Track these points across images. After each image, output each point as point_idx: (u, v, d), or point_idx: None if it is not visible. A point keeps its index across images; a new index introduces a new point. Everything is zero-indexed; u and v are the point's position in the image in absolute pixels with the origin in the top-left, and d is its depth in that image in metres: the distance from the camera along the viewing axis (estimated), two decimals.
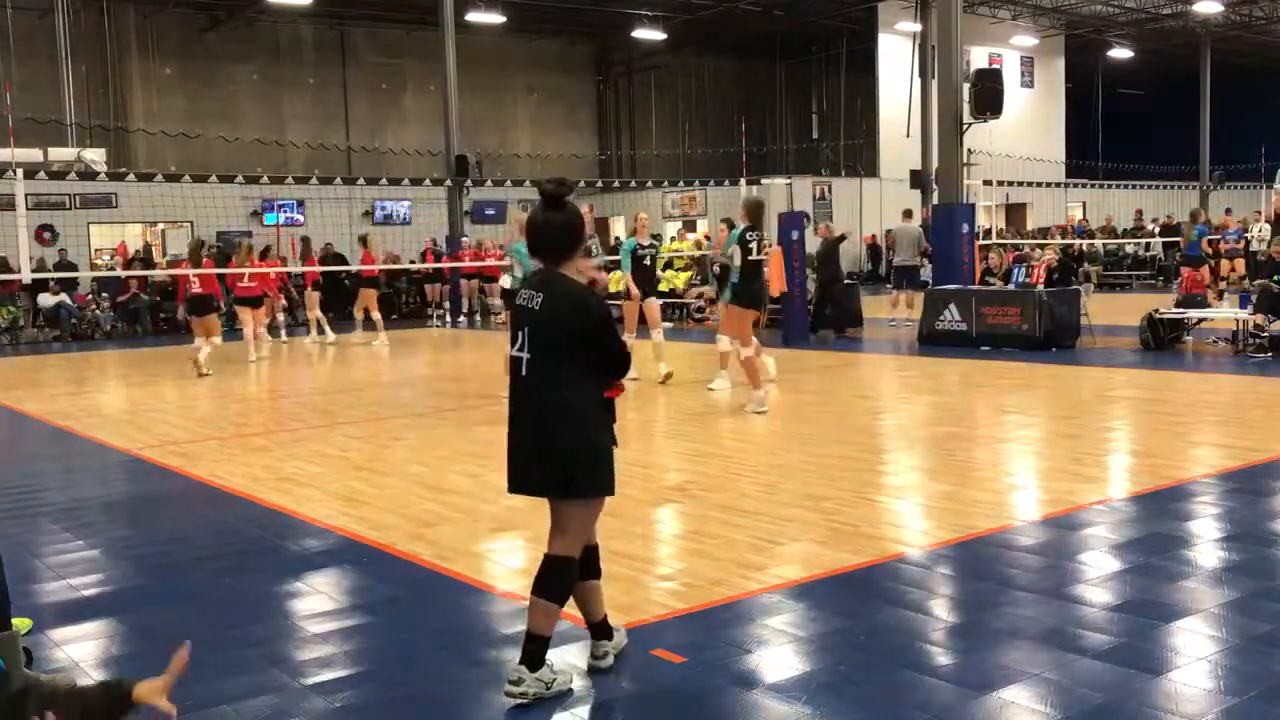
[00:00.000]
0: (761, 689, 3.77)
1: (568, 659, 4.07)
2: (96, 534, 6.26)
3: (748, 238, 9.90)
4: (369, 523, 6.21)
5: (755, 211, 10.21)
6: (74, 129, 24.69)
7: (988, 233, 21.67)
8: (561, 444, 3.68)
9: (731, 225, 10.87)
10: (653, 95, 35.24)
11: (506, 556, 5.62)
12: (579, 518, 3.77)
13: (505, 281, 11.37)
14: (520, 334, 3.74)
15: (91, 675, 4.10)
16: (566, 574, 3.77)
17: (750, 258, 9.88)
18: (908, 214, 19.27)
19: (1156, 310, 14.28)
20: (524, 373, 3.73)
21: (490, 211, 27.88)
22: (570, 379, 3.66)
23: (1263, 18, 33.22)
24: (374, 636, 4.43)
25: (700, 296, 20.25)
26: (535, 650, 3.71)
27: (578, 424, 3.67)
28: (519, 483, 3.80)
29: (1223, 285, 18.46)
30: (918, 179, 28.34)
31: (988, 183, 21.99)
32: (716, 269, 10.59)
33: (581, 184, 31.28)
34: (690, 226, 31.44)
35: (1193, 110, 36.30)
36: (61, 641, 4.46)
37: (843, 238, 18.61)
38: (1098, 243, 26.37)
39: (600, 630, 4.01)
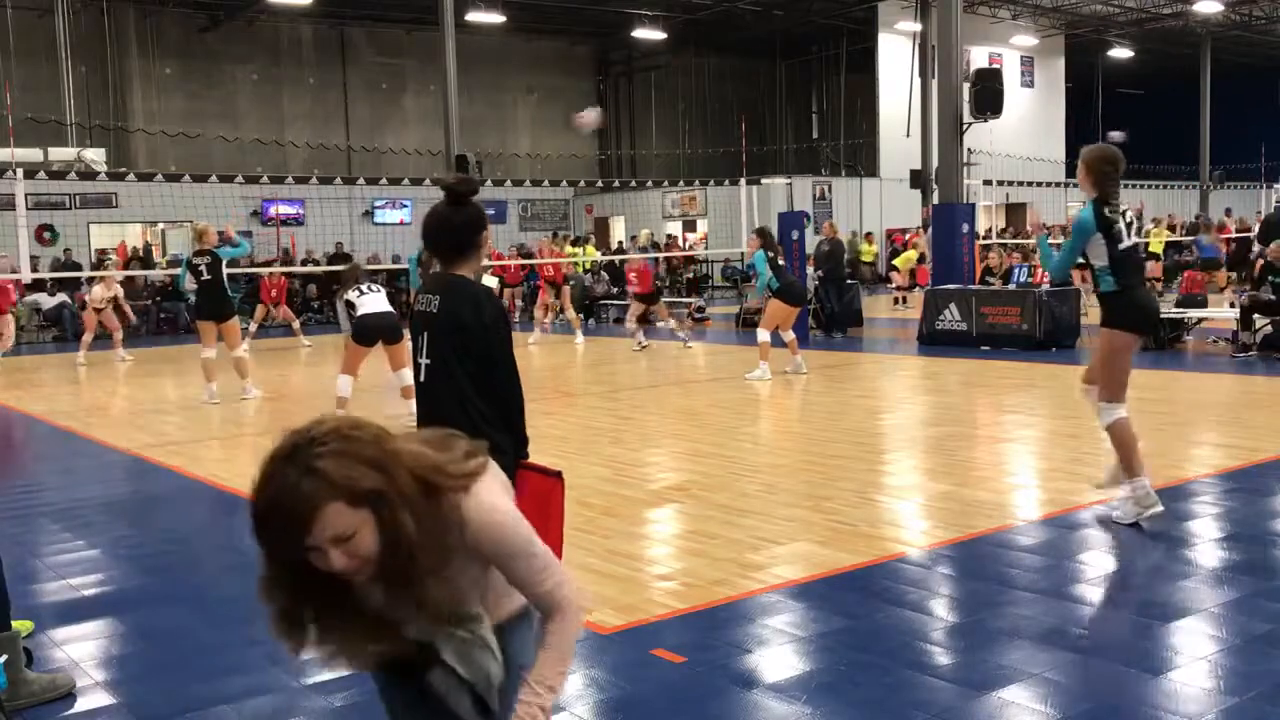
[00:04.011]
0: (761, 689, 3.77)
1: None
2: (96, 534, 6.26)
3: (769, 255, 12.04)
4: None
5: (767, 235, 12.45)
6: (74, 129, 24.68)
7: (987, 233, 21.72)
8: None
9: (761, 239, 12.43)
10: (653, 95, 35.24)
11: None
12: None
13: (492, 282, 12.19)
14: (420, 339, 3.62)
15: (91, 675, 4.10)
16: None
17: (779, 264, 12.22)
18: None
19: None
20: (424, 379, 3.63)
21: (491, 212, 27.84)
22: (473, 385, 3.53)
23: (1263, 18, 33.23)
24: None
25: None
26: None
27: (480, 431, 3.46)
28: None
29: (1232, 285, 18.46)
30: (918, 179, 28.35)
31: (988, 183, 22.02)
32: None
33: (582, 183, 31.32)
34: (690, 226, 31.47)
35: (1193, 110, 36.32)
36: (61, 641, 4.46)
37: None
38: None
39: None
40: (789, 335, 12.42)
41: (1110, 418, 5.75)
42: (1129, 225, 5.79)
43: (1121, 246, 5.71)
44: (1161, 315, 13.79)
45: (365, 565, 1.88)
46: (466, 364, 3.53)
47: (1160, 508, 5.61)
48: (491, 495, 2.07)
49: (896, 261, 24.73)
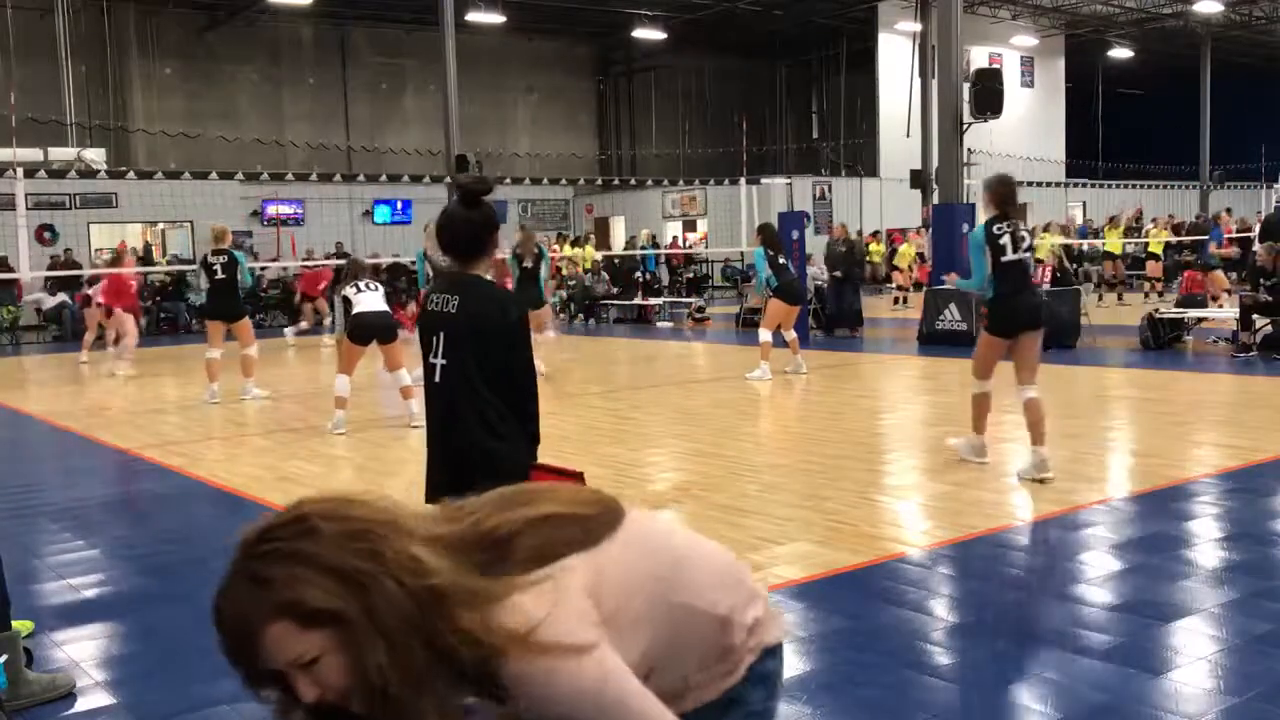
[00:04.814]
0: None
1: None
2: (96, 534, 6.26)
3: (768, 253, 11.95)
4: None
5: (768, 232, 12.36)
6: (74, 129, 24.68)
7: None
8: (480, 452, 3.53)
9: (762, 236, 12.40)
10: (653, 95, 35.23)
11: None
12: None
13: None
14: (435, 339, 3.58)
15: (91, 675, 4.10)
16: None
17: (780, 262, 12.08)
18: None
19: (1156, 310, 14.29)
20: (438, 380, 3.59)
21: None
22: (488, 385, 3.50)
23: (1263, 17, 33.22)
24: None
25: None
26: None
27: (496, 431, 3.52)
28: (438, 493, 3.64)
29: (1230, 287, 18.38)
30: (918, 179, 28.35)
31: None
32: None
33: (582, 183, 31.32)
34: (690, 226, 31.48)
35: (1193, 110, 36.30)
36: (62, 642, 4.46)
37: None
38: (1097, 242, 26.53)
39: None
40: (790, 335, 12.42)
41: (976, 390, 7.24)
42: (1019, 241, 6.83)
43: (1004, 259, 6.81)
44: (1161, 315, 13.86)
45: (347, 699, 1.39)
46: (485, 364, 3.50)
47: (987, 460, 7.22)
48: (556, 633, 1.40)
49: (896, 259, 24.72)
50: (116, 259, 18.49)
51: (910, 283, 23.36)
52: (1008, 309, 6.85)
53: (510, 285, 11.63)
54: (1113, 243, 22.56)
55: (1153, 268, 22.58)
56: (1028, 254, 6.87)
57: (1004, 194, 6.94)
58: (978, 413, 7.22)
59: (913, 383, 12.03)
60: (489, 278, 3.74)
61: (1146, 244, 23.27)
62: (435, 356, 3.60)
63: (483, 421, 3.53)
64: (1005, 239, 6.76)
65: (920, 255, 23.23)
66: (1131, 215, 26.94)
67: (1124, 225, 24.38)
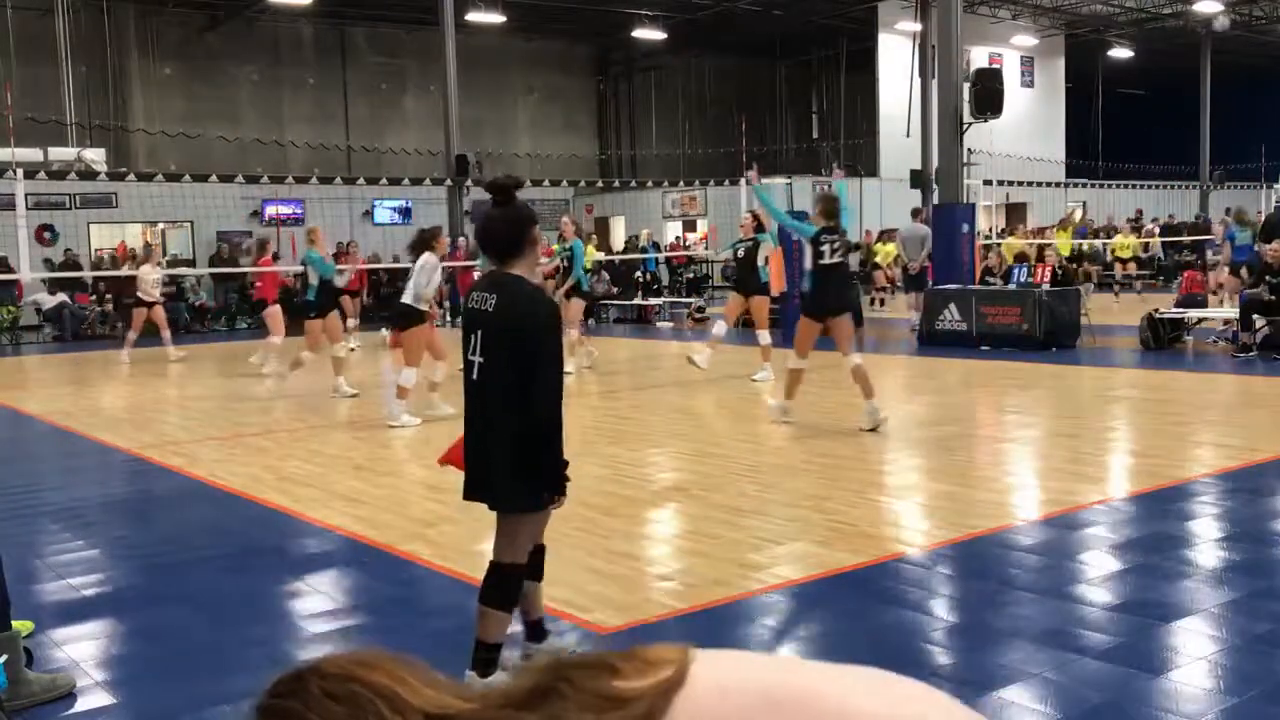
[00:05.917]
0: None
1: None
2: (96, 534, 6.26)
3: (740, 244, 12.39)
4: (369, 523, 6.21)
5: (760, 222, 12.43)
6: (74, 129, 24.65)
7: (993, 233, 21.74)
8: (517, 451, 3.53)
9: (757, 220, 12.49)
10: (653, 95, 35.22)
11: None
12: (531, 525, 3.66)
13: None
14: (473, 338, 3.60)
15: (91, 675, 4.10)
16: (516, 583, 3.69)
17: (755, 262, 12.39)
18: (916, 213, 18.85)
19: (1156, 310, 14.28)
20: (476, 377, 3.60)
21: None
22: (525, 383, 3.50)
23: (1263, 17, 33.21)
24: (374, 636, 4.43)
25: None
26: (486, 657, 3.64)
27: (533, 432, 3.52)
28: (475, 490, 3.70)
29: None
30: (918, 179, 28.32)
31: (988, 183, 22.02)
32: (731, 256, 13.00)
33: (582, 183, 31.30)
34: (690, 226, 31.48)
35: (1193, 110, 36.27)
36: (62, 641, 4.46)
37: (857, 246, 18.56)
38: (1098, 242, 26.60)
39: (534, 631, 4.01)
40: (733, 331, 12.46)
41: (794, 366, 8.81)
42: (836, 249, 8.51)
43: (821, 262, 8.53)
44: (1161, 315, 13.85)
45: None
46: (520, 363, 3.51)
47: (792, 420, 8.84)
48: None
49: (879, 258, 24.57)
50: (137, 257, 18.46)
51: (890, 283, 22.97)
52: (818, 298, 8.66)
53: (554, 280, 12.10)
54: (1063, 243, 22.65)
55: (1120, 269, 22.88)
56: (844, 259, 8.63)
57: (832, 210, 8.64)
58: (791, 382, 8.87)
59: (912, 383, 12.03)
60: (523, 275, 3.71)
61: (1145, 244, 23.36)
62: (473, 354, 3.62)
63: (515, 421, 3.53)
64: (826, 247, 8.49)
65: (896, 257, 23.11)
66: (1077, 217, 27.17)
67: (1071, 227, 24.67)
